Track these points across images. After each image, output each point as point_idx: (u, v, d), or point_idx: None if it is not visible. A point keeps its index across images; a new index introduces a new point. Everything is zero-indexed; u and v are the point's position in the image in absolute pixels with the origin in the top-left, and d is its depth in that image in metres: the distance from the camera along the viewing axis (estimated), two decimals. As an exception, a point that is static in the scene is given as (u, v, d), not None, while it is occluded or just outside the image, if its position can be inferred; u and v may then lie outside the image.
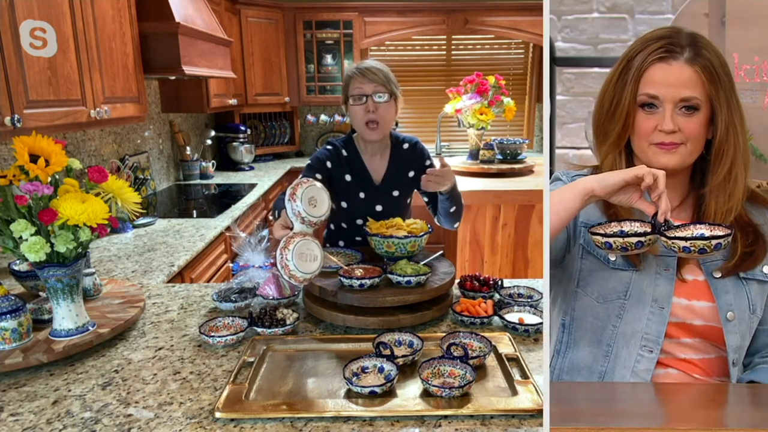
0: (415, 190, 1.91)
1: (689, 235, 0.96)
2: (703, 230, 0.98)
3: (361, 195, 1.82)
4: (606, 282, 1.11)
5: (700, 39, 1.04)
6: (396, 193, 1.84)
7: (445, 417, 1.00)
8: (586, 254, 1.13)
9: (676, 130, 1.03)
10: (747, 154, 1.07)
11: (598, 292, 1.11)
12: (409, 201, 1.92)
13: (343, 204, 1.82)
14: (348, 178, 1.81)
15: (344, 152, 1.82)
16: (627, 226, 1.01)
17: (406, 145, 1.87)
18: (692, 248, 0.93)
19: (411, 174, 1.85)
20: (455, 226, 1.86)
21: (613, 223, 1.02)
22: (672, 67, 1.03)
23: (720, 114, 1.03)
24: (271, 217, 3.71)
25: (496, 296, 1.54)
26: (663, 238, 0.95)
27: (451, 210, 1.79)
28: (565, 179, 1.17)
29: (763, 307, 1.10)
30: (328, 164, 1.80)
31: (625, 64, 1.07)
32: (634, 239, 0.95)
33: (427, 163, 1.87)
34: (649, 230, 0.96)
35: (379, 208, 1.81)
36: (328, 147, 1.84)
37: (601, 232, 0.99)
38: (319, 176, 1.75)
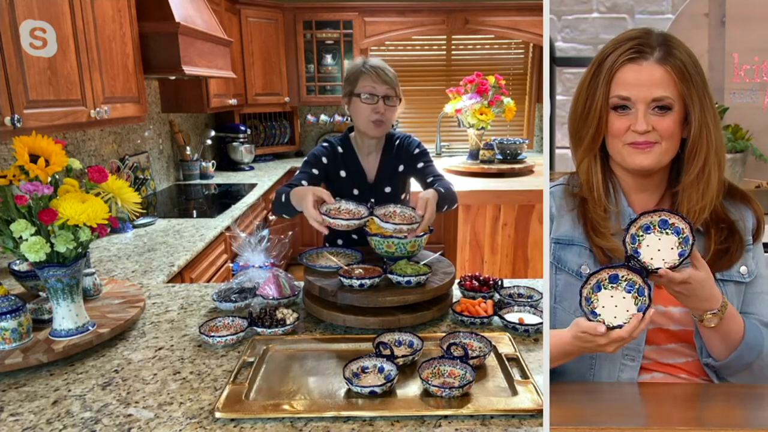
0: (413, 179, 1.92)
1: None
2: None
3: (355, 192, 1.84)
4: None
5: (671, 39, 1.04)
6: (388, 189, 1.86)
7: (445, 417, 1.00)
8: (558, 271, 1.13)
9: (649, 130, 1.03)
10: (721, 151, 1.06)
11: (575, 307, 1.10)
12: (404, 197, 1.92)
13: (336, 198, 1.83)
14: (342, 174, 1.83)
15: (340, 149, 1.85)
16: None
17: (397, 141, 1.88)
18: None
19: (401, 168, 1.87)
20: (453, 207, 1.82)
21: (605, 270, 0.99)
22: (643, 67, 1.02)
23: (693, 113, 1.03)
24: (271, 218, 3.71)
25: (496, 296, 1.54)
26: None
27: (443, 210, 1.77)
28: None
29: (740, 307, 1.10)
30: (324, 160, 1.82)
31: (597, 66, 1.06)
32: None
33: (416, 151, 1.85)
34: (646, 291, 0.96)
35: (369, 204, 1.82)
36: (325, 144, 1.87)
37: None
38: (315, 172, 1.78)
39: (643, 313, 0.93)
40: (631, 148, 1.05)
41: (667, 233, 0.95)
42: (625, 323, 0.94)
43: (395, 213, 1.51)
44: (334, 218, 1.41)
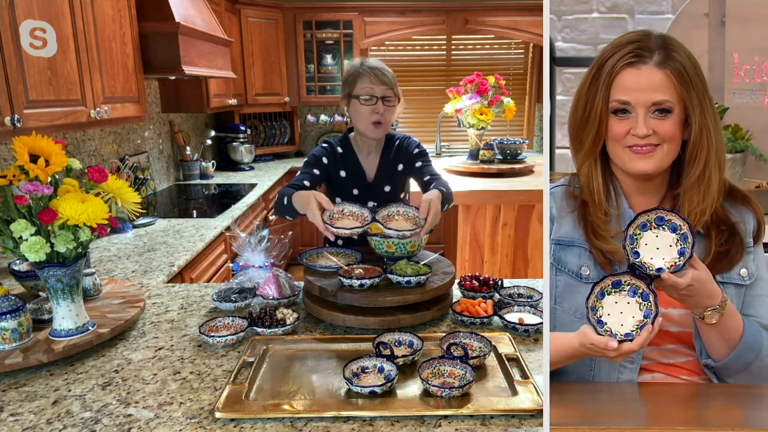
0: (412, 180, 1.92)
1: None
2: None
3: (355, 192, 1.85)
4: (581, 297, 1.11)
5: (671, 41, 1.04)
6: (387, 189, 1.86)
7: (445, 417, 1.00)
8: (558, 272, 1.13)
9: (650, 134, 1.03)
10: (721, 153, 1.06)
11: (575, 308, 1.11)
12: (403, 196, 1.93)
13: (338, 200, 1.84)
14: (342, 174, 1.84)
15: (340, 149, 1.86)
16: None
17: (397, 141, 1.89)
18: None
19: (400, 168, 1.87)
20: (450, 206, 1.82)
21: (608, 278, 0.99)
22: (642, 71, 1.02)
23: (693, 115, 1.03)
24: (271, 218, 3.71)
25: (496, 296, 1.54)
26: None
27: (443, 210, 1.78)
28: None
29: (740, 309, 1.10)
30: (325, 160, 1.83)
31: (596, 70, 1.06)
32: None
33: (416, 151, 1.87)
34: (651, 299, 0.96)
35: (371, 204, 1.83)
36: (324, 145, 1.88)
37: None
38: (316, 172, 1.79)
39: (652, 323, 0.93)
40: (631, 152, 1.05)
41: (663, 229, 0.96)
42: (632, 331, 0.93)
43: (398, 213, 1.52)
44: (337, 228, 1.43)
